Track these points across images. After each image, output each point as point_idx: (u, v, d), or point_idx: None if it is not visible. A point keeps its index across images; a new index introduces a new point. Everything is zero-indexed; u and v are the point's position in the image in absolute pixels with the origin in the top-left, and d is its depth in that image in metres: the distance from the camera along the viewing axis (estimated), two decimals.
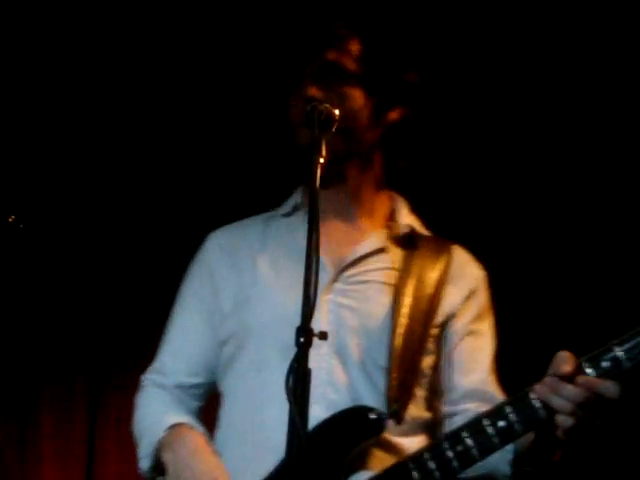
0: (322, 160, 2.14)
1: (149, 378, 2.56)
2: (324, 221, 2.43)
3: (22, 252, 4.18)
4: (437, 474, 2.17)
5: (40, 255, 4.25)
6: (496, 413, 2.14)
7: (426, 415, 2.42)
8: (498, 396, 2.42)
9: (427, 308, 2.41)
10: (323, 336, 1.99)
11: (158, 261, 4.28)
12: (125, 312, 4.35)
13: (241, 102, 4.02)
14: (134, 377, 4.23)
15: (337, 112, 2.28)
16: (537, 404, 2.11)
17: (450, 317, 2.45)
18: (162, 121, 4.23)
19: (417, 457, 2.20)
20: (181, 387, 2.52)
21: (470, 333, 2.47)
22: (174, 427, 2.42)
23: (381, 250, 2.48)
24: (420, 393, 2.40)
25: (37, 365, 4.27)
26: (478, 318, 2.49)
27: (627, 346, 2.06)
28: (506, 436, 2.14)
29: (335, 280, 2.42)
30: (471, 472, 2.29)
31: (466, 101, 3.95)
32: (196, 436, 2.41)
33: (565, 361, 2.09)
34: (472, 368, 2.45)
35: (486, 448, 2.15)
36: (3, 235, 4.12)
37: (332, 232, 2.48)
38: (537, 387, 2.11)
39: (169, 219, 4.30)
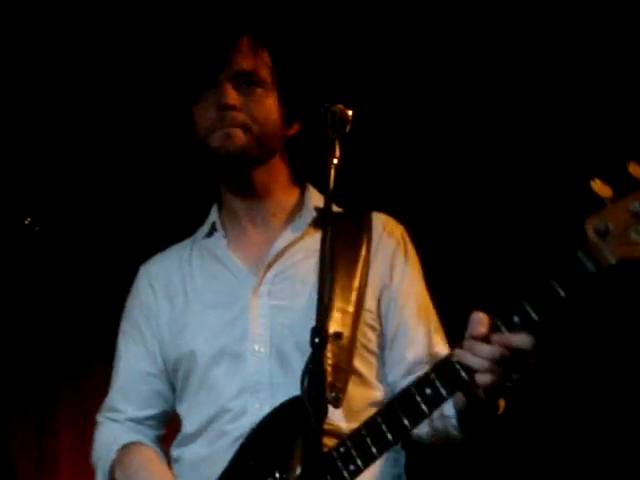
0: (336, 161, 2.15)
1: (103, 416, 2.58)
2: (239, 227, 2.53)
3: (38, 254, 4.20)
4: (373, 449, 2.17)
5: (56, 257, 4.27)
6: (423, 381, 2.15)
7: (375, 394, 2.42)
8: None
9: (358, 283, 2.40)
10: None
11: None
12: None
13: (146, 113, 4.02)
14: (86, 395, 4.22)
15: (350, 112, 2.29)
16: (458, 366, 2.11)
17: (383, 288, 2.46)
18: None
19: (355, 434, 2.20)
20: (135, 420, 2.54)
21: (407, 299, 2.47)
22: (124, 447, 2.46)
23: (296, 241, 2.49)
24: (363, 370, 2.40)
25: (54, 372, 4.29)
26: (410, 282, 2.49)
27: (534, 299, 2.06)
28: (433, 402, 2.13)
29: (260, 284, 2.42)
30: (416, 433, 2.34)
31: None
32: (145, 450, 2.46)
33: (479, 322, 2.09)
34: (417, 335, 2.45)
35: (416, 416, 2.15)
36: (19, 237, 4.14)
37: (248, 239, 2.51)
38: (456, 351, 2.11)
39: (182, 224, 4.31)
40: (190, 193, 4.21)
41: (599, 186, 1.96)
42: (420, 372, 2.30)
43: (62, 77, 4.09)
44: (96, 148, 4.24)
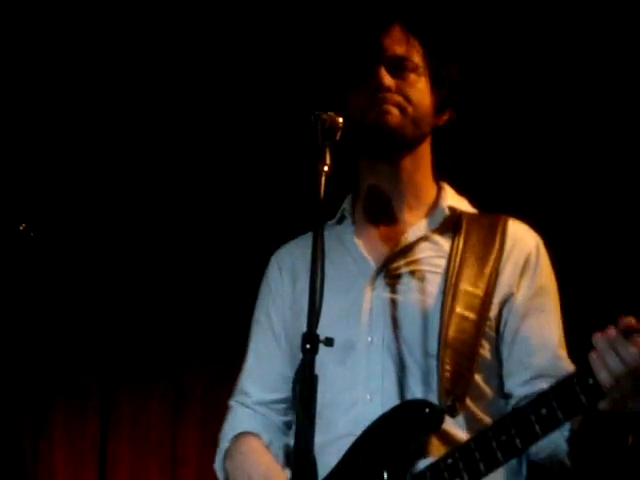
0: (326, 169, 2.16)
1: (235, 400, 2.61)
2: (370, 215, 2.53)
3: (33, 260, 4.20)
4: (481, 465, 2.14)
5: (51, 264, 4.27)
6: (540, 400, 2.10)
7: (490, 404, 2.37)
8: (571, 371, 2.31)
9: (483, 292, 2.37)
10: (329, 342, 2.01)
11: (167, 269, 4.30)
12: (136, 319, 4.37)
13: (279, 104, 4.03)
14: (146, 382, 4.28)
15: (340, 120, 2.30)
16: (578, 389, 2.06)
17: (508, 296, 2.40)
18: (170, 126, 4.24)
19: (464, 447, 2.18)
20: (263, 403, 2.55)
21: (532, 309, 2.40)
22: (237, 437, 2.49)
23: (424, 239, 2.47)
24: (481, 382, 2.36)
25: (49, 372, 4.28)
26: (538, 292, 2.43)
27: None
28: (548, 424, 2.09)
29: (378, 275, 2.42)
30: (534, 453, 2.29)
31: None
32: (251, 441, 2.47)
33: (629, 321, 2.04)
34: (539, 346, 2.38)
35: (528, 437, 2.10)
36: (14, 243, 4.14)
37: (376, 227, 2.51)
38: (599, 340, 2.05)
39: (178, 229, 4.32)
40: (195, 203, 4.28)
41: None
42: (542, 385, 2.29)
43: (58, 80, 4.10)
44: (91, 153, 4.24)
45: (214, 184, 4.32)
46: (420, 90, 2.49)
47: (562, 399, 2.07)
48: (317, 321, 2.01)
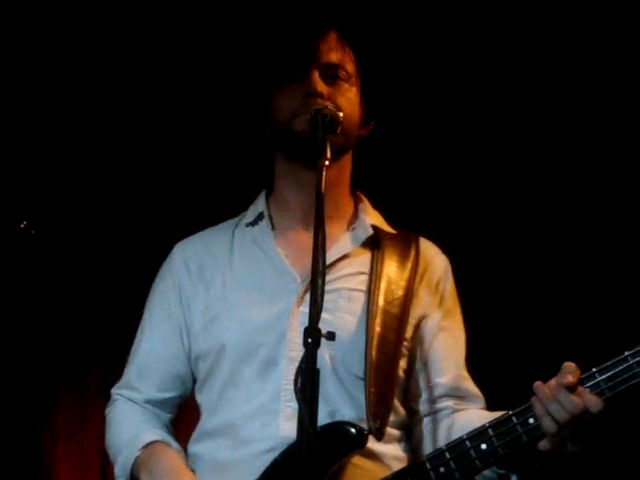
0: (327, 163, 2.16)
1: (119, 393, 2.56)
2: (289, 221, 2.49)
3: (34, 258, 4.20)
4: None
5: (52, 261, 4.27)
6: (479, 435, 2.17)
7: (401, 419, 2.42)
8: (474, 392, 2.46)
9: (399, 311, 2.40)
10: (331, 336, 2.00)
11: (132, 261, 4.30)
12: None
13: (210, 101, 4.01)
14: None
15: (341, 115, 2.31)
16: (520, 429, 2.14)
17: (422, 317, 2.45)
18: (165, 121, 4.24)
19: (399, 476, 2.23)
20: (152, 402, 2.51)
21: (441, 330, 2.46)
22: (149, 445, 2.42)
23: (348, 255, 2.46)
24: (397, 399, 2.39)
25: (50, 368, 4.28)
26: (447, 313, 2.49)
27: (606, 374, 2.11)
28: (488, 459, 2.16)
29: (306, 292, 2.37)
30: None
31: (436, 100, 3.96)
32: (172, 454, 2.41)
33: (571, 371, 2.12)
34: (447, 366, 2.45)
35: (468, 471, 2.18)
36: (15, 240, 4.14)
37: (298, 237, 2.47)
38: (540, 389, 2.13)
39: (176, 225, 4.32)
40: (179, 195, 4.28)
41: None
42: (447, 403, 2.40)
43: (57, 76, 4.09)
44: (91, 150, 4.24)
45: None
46: (351, 100, 2.46)
47: (503, 437, 2.15)
48: (319, 315, 2.00)
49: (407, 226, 2.61)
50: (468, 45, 3.86)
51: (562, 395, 2.09)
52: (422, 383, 2.43)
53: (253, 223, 2.54)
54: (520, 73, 3.88)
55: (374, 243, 2.49)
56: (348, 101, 2.46)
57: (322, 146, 2.19)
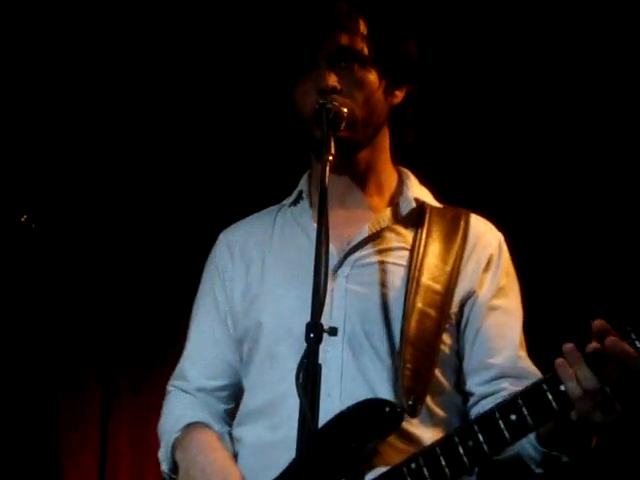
0: (331, 158, 2.15)
1: (173, 385, 2.55)
2: (331, 203, 2.34)
3: (35, 252, 4.19)
4: (447, 471, 2.10)
5: (53, 255, 4.26)
6: (508, 406, 2.06)
7: (449, 399, 2.34)
8: (532, 371, 2.34)
9: (443, 288, 2.33)
10: (333, 332, 1.97)
11: (170, 262, 4.29)
12: (137, 316, 4.35)
13: (243, 94, 4.00)
14: (147, 379, 4.28)
15: (345, 110, 2.29)
16: (550, 396, 2.03)
17: (470, 294, 2.37)
18: (169, 117, 4.22)
19: (428, 452, 2.14)
20: (204, 390, 2.49)
21: (493, 309, 2.38)
22: (187, 427, 2.41)
23: (388, 229, 2.41)
24: (441, 377, 2.32)
25: (49, 368, 4.27)
26: (500, 291, 2.40)
27: None
28: (517, 430, 2.06)
29: (341, 265, 2.36)
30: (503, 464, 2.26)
31: (471, 74, 3.92)
32: (206, 434, 2.40)
33: (601, 329, 2.00)
34: (500, 346, 2.35)
35: (497, 443, 2.08)
36: (16, 235, 4.14)
37: (338, 214, 2.40)
38: (571, 353, 2.01)
39: (180, 217, 4.31)
40: (194, 188, 4.27)
41: None
42: (503, 385, 2.28)
43: (56, 73, 4.09)
44: (91, 143, 4.23)
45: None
46: (366, 83, 2.39)
47: (533, 406, 2.04)
48: (321, 310, 1.97)
49: (460, 203, 2.53)
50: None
51: (592, 361, 1.98)
52: (475, 364, 2.35)
53: (294, 202, 2.52)
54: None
55: (419, 218, 2.43)
56: (364, 84, 2.38)
57: (326, 141, 2.18)
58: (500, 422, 2.05)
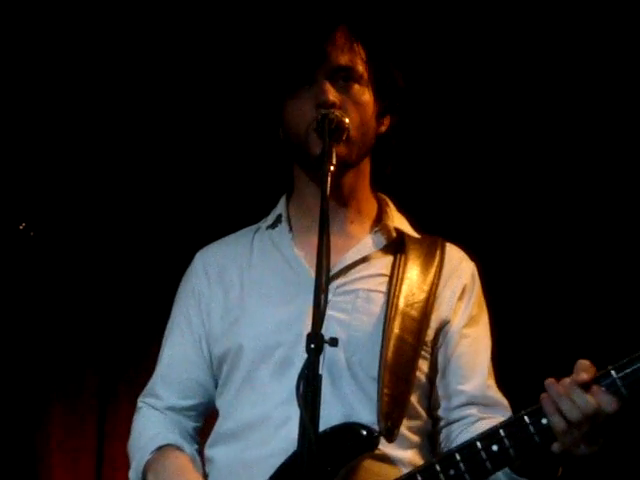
0: (332, 168, 2.15)
1: (143, 401, 2.56)
2: (309, 224, 2.43)
3: (33, 259, 4.20)
4: None
5: (51, 262, 4.26)
6: (490, 436, 2.10)
7: (422, 424, 2.38)
8: (499, 399, 2.41)
9: (420, 315, 2.36)
10: (334, 342, 1.97)
11: (164, 263, 4.29)
12: (135, 320, 4.36)
13: (226, 111, 4.01)
14: (144, 383, 4.27)
15: (347, 120, 2.30)
16: (532, 429, 2.07)
17: (444, 322, 2.41)
18: (149, 132, 4.24)
19: (409, 479, 2.18)
20: (174, 409, 2.50)
21: (465, 337, 2.42)
22: (160, 449, 2.41)
23: (369, 257, 2.44)
24: (415, 403, 2.36)
25: (46, 372, 4.27)
26: (471, 320, 2.44)
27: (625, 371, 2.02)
28: (499, 461, 2.09)
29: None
30: None
31: (450, 101, 3.95)
32: (179, 458, 2.40)
33: (586, 369, 2.05)
34: (471, 373, 2.40)
35: (478, 473, 2.11)
36: (14, 242, 4.14)
37: (316, 238, 2.31)
38: (552, 386, 2.05)
39: (172, 221, 4.32)
40: (185, 198, 4.28)
41: None
42: (472, 411, 2.34)
43: (54, 78, 4.09)
44: (90, 152, 4.24)
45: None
46: (364, 102, 2.41)
47: (515, 438, 2.07)
48: (322, 321, 1.97)
49: (434, 231, 2.58)
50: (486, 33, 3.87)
51: (575, 393, 2.01)
52: (445, 390, 2.39)
53: (272, 226, 2.52)
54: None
55: (398, 247, 2.46)
56: (361, 104, 2.41)
57: (328, 151, 2.18)
58: (482, 452, 2.09)
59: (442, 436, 2.40)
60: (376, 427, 2.23)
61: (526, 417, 2.07)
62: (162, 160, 4.28)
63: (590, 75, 3.83)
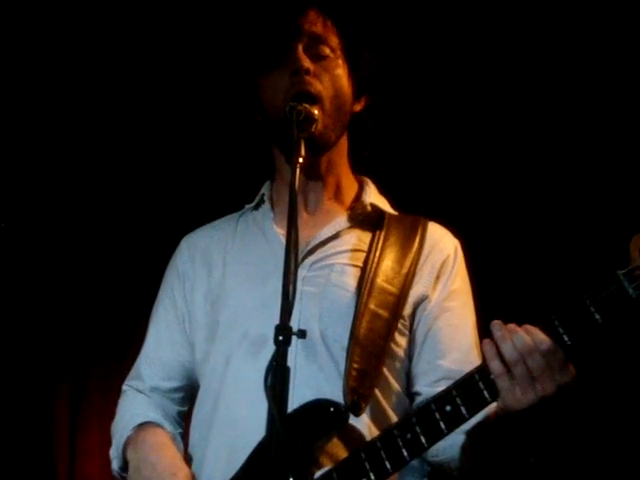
0: (301, 160, 2.15)
1: (129, 384, 2.58)
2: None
3: (4, 251, 4.17)
4: (387, 464, 2.14)
5: (22, 255, 4.24)
6: (443, 397, 2.10)
7: (396, 400, 2.37)
8: None
9: (398, 290, 2.36)
10: (302, 334, 1.99)
11: (139, 258, 4.28)
12: (107, 313, 4.35)
13: (209, 97, 4.00)
14: (116, 376, 4.24)
15: (316, 112, 2.30)
16: (482, 385, 2.06)
17: (423, 297, 2.41)
18: (145, 114, 4.22)
19: (370, 446, 2.17)
20: (158, 390, 2.52)
21: (445, 311, 2.41)
22: (140, 426, 2.44)
23: (343, 232, 2.45)
24: (391, 379, 2.35)
25: (19, 368, 4.25)
26: (452, 294, 2.44)
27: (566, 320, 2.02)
28: (452, 421, 2.09)
29: (297, 267, 2.31)
30: (433, 455, 2.30)
31: (432, 84, 3.95)
32: (158, 433, 2.43)
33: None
34: (450, 348, 2.39)
35: (433, 434, 2.11)
36: None
37: (299, 221, 2.38)
38: (497, 327, 2.05)
39: (149, 221, 4.31)
40: (161, 192, 4.27)
41: None
42: (447, 386, 2.26)
43: (33, 74, 4.07)
44: (63, 144, 4.22)
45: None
46: (338, 76, 2.44)
47: (466, 395, 2.07)
48: (290, 312, 1.99)
49: (416, 212, 2.58)
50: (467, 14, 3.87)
51: (516, 334, 2.02)
52: (424, 365, 2.39)
53: (256, 207, 2.55)
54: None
55: (376, 223, 2.47)
56: (335, 77, 2.43)
57: (296, 144, 2.18)
58: (436, 413, 2.09)
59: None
60: (342, 401, 2.23)
61: (476, 375, 2.07)
62: (148, 149, 4.27)
63: (584, 71, 3.84)
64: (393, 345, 2.35)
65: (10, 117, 4.11)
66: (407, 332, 2.39)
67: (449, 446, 2.25)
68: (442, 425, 2.08)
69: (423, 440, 2.10)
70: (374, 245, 2.42)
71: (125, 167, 4.28)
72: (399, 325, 2.36)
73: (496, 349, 2.05)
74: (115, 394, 4.25)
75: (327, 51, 2.44)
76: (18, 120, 4.13)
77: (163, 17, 4.00)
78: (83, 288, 4.32)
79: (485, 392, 2.05)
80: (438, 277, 2.43)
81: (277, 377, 1.92)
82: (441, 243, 2.48)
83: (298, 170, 2.12)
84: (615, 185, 3.71)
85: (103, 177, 4.28)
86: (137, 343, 4.39)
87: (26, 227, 4.22)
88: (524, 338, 2.01)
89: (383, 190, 2.58)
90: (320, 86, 2.38)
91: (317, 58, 2.43)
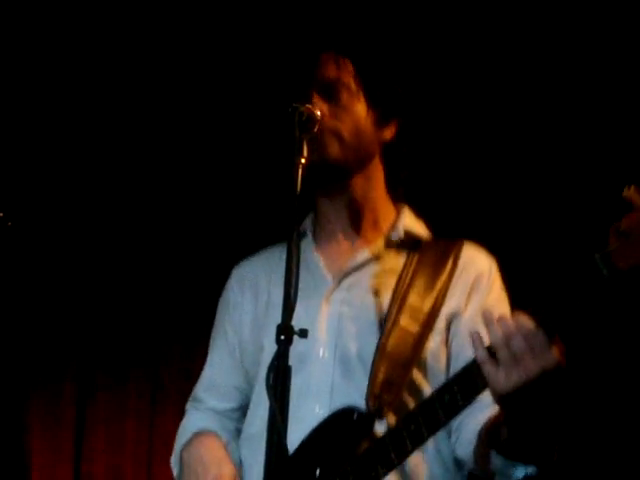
0: (303, 161, 2.17)
1: (189, 404, 2.70)
2: (330, 233, 2.59)
3: (10, 250, 4.18)
4: (393, 455, 2.20)
5: (29, 253, 4.25)
6: (445, 387, 2.15)
7: None
8: None
9: (430, 306, 2.42)
10: (303, 334, 2.03)
11: (146, 261, 4.30)
12: (113, 313, 4.36)
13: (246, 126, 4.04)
14: (122, 377, 4.28)
15: (318, 113, 2.32)
16: (476, 372, 2.07)
17: (456, 313, 2.45)
18: (163, 127, 4.26)
19: (380, 440, 2.23)
20: (215, 411, 2.63)
21: (473, 327, 2.35)
22: (197, 432, 2.55)
23: (379, 256, 2.53)
24: (425, 385, 2.40)
25: (24, 367, 4.27)
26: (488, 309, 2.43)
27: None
28: (450, 409, 2.13)
29: (335, 290, 2.48)
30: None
31: (461, 104, 3.97)
32: (213, 437, 2.53)
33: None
34: None
35: (434, 424, 2.16)
36: None
37: (336, 244, 2.57)
38: (489, 315, 2.07)
39: (148, 220, 4.33)
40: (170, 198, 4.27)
41: (633, 193, 1.90)
42: (481, 396, 2.23)
43: (31, 73, 4.09)
44: (68, 141, 4.24)
45: (192, 184, 4.33)
46: (355, 112, 2.52)
47: (462, 384, 2.11)
48: (292, 312, 2.03)
49: (456, 234, 2.62)
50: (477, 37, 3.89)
51: (500, 320, 2.03)
52: None
53: (300, 239, 2.55)
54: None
55: (410, 247, 2.55)
56: (352, 111, 2.51)
57: (298, 144, 2.20)
58: (436, 403, 2.14)
59: (454, 424, 2.39)
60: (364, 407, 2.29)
61: (472, 364, 2.10)
62: (188, 172, 4.31)
63: (588, 72, 3.84)
64: (429, 357, 2.41)
65: (18, 115, 4.13)
66: (440, 342, 2.44)
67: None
68: (441, 413, 2.13)
69: (424, 430, 2.16)
70: (406, 267, 2.50)
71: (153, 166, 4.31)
72: (430, 336, 2.42)
73: (481, 340, 2.08)
74: (121, 394, 4.32)
75: (342, 89, 2.51)
76: (30, 118, 4.15)
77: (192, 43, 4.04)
78: (90, 289, 4.33)
79: (478, 380, 2.07)
80: (471, 293, 2.47)
81: (278, 377, 1.96)
82: (475, 261, 2.53)
83: (300, 171, 2.15)
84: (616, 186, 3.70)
85: (128, 175, 4.32)
86: (144, 343, 4.42)
87: (34, 225, 4.23)
88: (506, 322, 2.04)
89: (421, 215, 2.65)
90: (334, 122, 2.47)
91: (333, 99, 2.51)
